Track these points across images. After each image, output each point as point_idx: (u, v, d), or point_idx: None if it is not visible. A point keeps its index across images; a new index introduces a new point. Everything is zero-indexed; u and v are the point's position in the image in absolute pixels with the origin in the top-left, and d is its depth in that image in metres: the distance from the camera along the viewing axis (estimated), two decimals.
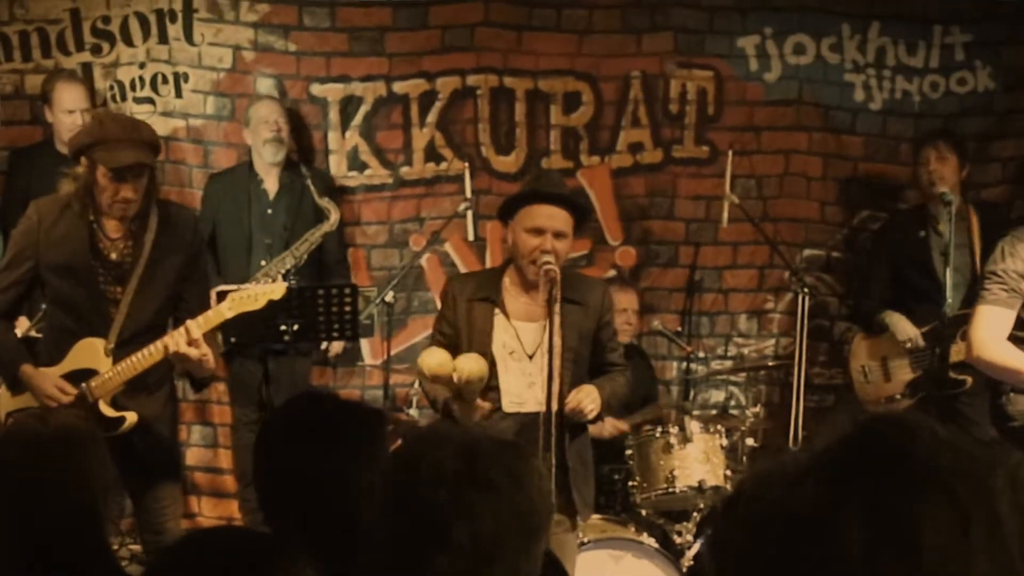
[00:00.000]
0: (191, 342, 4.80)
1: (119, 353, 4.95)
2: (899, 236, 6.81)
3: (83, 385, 4.93)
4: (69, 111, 6.77)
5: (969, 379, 6.16)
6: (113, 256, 4.97)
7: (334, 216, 6.78)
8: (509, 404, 4.95)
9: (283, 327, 5.54)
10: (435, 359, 4.83)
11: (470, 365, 4.76)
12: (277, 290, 5.04)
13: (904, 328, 6.58)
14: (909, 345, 6.55)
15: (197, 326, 4.84)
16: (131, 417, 4.98)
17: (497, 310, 4.97)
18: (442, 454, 2.12)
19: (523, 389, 4.95)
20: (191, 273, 5.13)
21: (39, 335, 5.45)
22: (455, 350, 4.94)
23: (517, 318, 4.97)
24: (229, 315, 4.94)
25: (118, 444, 4.98)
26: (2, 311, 5.04)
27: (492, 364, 4.94)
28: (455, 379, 4.76)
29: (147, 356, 4.89)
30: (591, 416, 4.92)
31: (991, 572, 1.17)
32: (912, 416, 1.27)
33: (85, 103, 6.82)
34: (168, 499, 5.21)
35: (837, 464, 1.24)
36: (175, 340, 4.81)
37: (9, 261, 5.05)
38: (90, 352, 4.96)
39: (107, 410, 4.96)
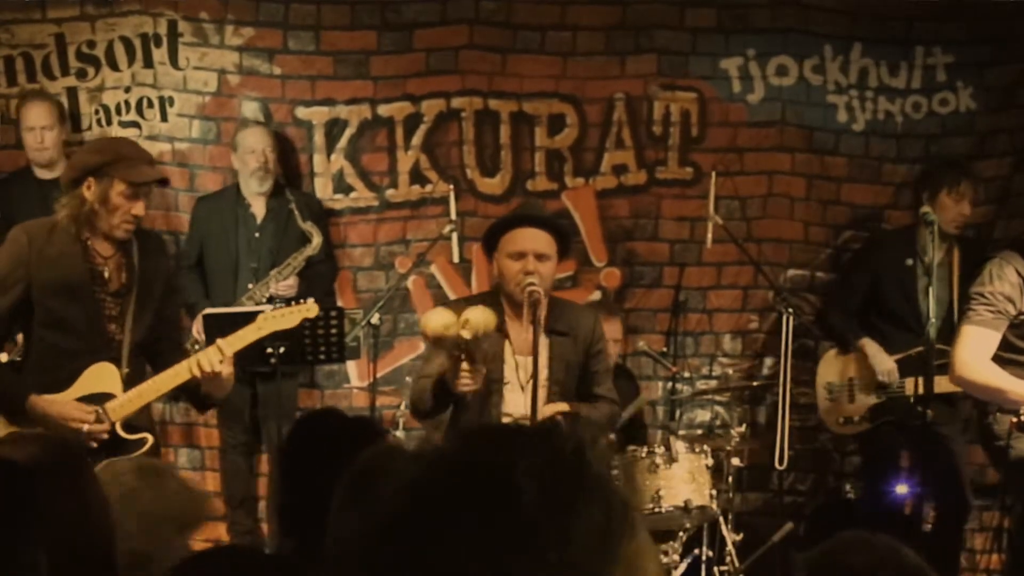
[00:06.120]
0: (223, 360, 4.82)
1: (129, 375, 4.96)
2: (885, 258, 6.81)
3: (99, 408, 4.89)
4: (30, 128, 6.85)
5: (931, 412, 6.17)
6: (106, 273, 4.98)
7: (316, 240, 6.80)
8: None
9: (269, 349, 5.55)
10: (440, 320, 4.77)
11: (480, 316, 4.70)
12: (311, 309, 5.13)
13: (883, 361, 6.58)
14: (886, 380, 6.55)
15: (228, 345, 4.86)
16: (149, 439, 4.97)
17: (507, 340, 4.99)
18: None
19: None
20: (170, 290, 5.22)
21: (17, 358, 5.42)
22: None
23: (519, 352, 4.99)
24: (262, 334, 4.99)
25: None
26: None
27: (496, 394, 4.96)
28: (465, 335, 4.68)
29: (172, 377, 4.90)
30: None
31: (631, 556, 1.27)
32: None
33: (48, 120, 6.87)
34: None
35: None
36: (207, 359, 4.82)
37: None
38: (104, 376, 4.93)
39: (123, 432, 4.93)
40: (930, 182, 6.69)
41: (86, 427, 4.83)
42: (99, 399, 4.92)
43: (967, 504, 6.62)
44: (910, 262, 6.67)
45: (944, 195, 6.56)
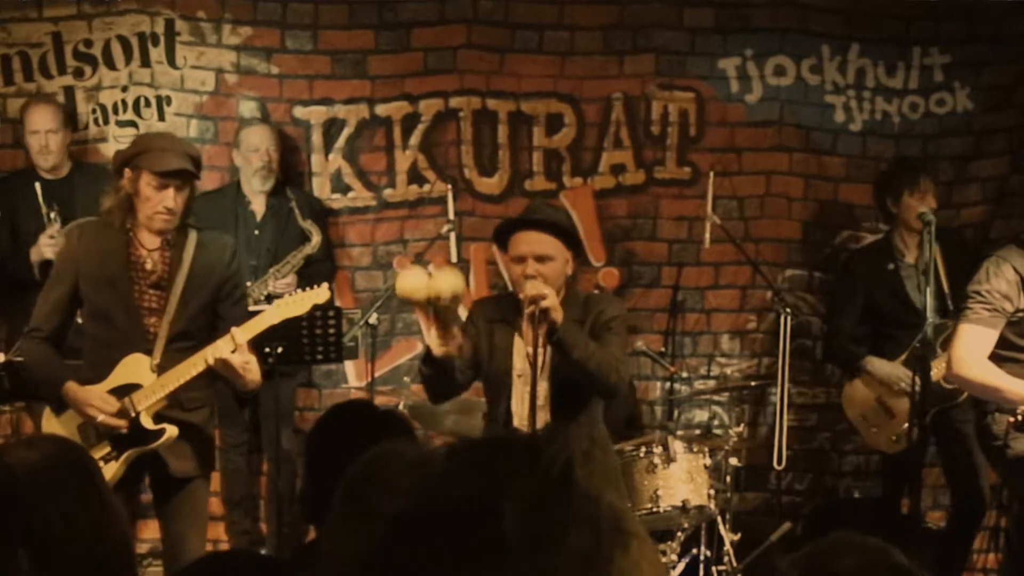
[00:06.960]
0: (235, 348, 4.84)
1: (161, 366, 4.99)
2: (867, 272, 6.77)
3: (125, 399, 4.95)
4: (34, 131, 6.81)
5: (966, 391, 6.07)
6: (148, 265, 5.04)
7: (315, 238, 6.81)
8: (518, 424, 4.99)
9: (267, 349, 5.55)
10: (409, 282, 4.65)
11: (446, 282, 4.58)
12: (322, 295, 5.14)
13: (890, 372, 6.53)
14: (904, 385, 6.45)
15: (241, 332, 4.88)
16: (171, 430, 4.99)
17: (516, 333, 4.98)
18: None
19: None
20: (231, 292, 5.19)
21: (19, 359, 5.42)
22: (476, 369, 5.01)
23: (530, 343, 4.97)
24: (274, 320, 5.01)
25: (149, 463, 5.06)
26: (47, 334, 5.09)
27: (509, 386, 4.95)
28: (430, 298, 4.56)
29: (190, 368, 4.92)
30: (544, 303, 4.69)
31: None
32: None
33: (52, 124, 6.82)
34: (191, 525, 5.19)
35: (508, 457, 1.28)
36: (219, 347, 4.85)
37: (50, 282, 5.16)
38: (136, 368, 4.99)
39: (148, 423, 4.97)
40: (891, 187, 6.68)
41: (100, 417, 4.91)
42: (130, 390, 4.97)
43: (983, 504, 6.56)
44: (891, 267, 6.68)
45: (907, 196, 6.57)
